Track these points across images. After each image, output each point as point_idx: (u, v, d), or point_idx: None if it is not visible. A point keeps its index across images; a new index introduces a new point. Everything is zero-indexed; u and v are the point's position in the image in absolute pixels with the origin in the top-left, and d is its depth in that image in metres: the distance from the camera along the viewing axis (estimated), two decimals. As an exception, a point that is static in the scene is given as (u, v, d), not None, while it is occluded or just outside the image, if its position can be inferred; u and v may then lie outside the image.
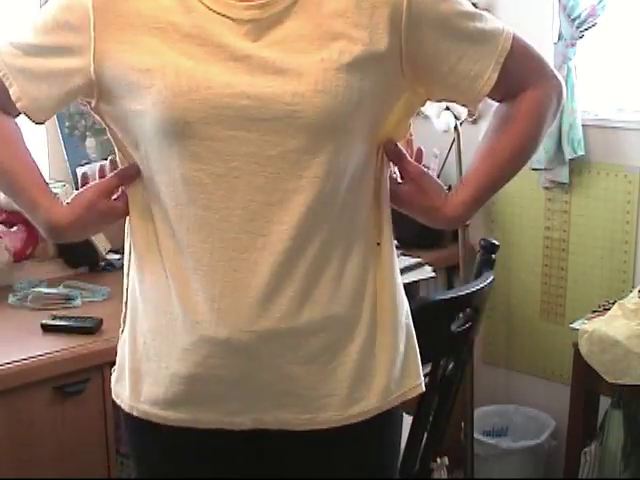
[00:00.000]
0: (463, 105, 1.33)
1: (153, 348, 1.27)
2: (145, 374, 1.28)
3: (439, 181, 1.35)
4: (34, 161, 1.30)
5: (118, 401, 1.34)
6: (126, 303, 1.33)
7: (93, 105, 1.26)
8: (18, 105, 1.25)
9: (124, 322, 1.34)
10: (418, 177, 1.31)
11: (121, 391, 1.33)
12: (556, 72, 1.34)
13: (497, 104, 1.34)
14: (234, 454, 1.32)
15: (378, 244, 1.30)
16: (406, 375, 1.32)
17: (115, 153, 1.31)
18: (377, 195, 1.29)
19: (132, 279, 1.31)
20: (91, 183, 1.31)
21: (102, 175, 1.31)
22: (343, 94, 1.16)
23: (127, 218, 1.30)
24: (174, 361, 1.24)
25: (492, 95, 1.29)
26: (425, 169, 1.33)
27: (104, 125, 1.29)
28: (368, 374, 1.27)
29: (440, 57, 1.23)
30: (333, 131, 1.17)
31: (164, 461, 1.35)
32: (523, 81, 1.29)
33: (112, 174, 1.29)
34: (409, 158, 1.30)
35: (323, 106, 1.15)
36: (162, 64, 1.16)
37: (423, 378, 1.36)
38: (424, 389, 1.36)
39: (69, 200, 1.29)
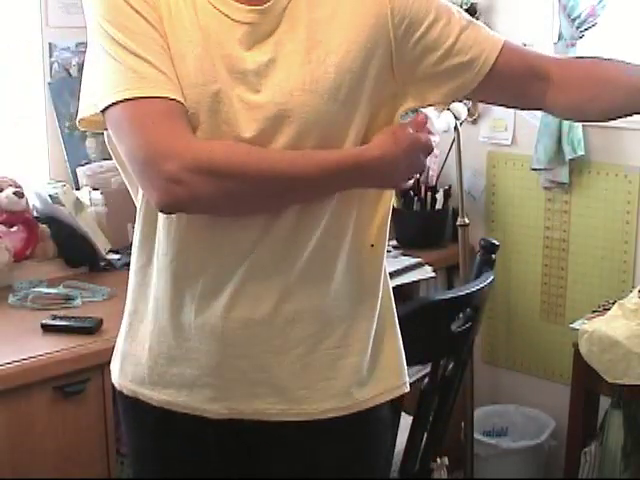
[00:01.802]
0: (463, 90, 1.29)
1: (139, 330, 1.31)
2: (131, 354, 1.33)
3: None
4: None
5: (112, 379, 1.39)
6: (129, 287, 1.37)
7: None
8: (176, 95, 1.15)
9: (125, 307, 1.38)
10: None
11: (114, 370, 1.38)
12: None
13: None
14: (213, 444, 1.33)
15: (372, 246, 1.31)
16: (384, 376, 1.33)
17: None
18: (374, 201, 1.30)
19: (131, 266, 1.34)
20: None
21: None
22: (330, 93, 1.18)
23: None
24: (155, 343, 1.28)
25: (544, 70, 1.28)
26: None
27: None
28: (343, 371, 1.28)
29: (432, 48, 1.25)
30: (320, 129, 1.19)
31: (149, 440, 1.38)
32: (539, 57, 1.30)
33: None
34: None
35: (311, 105, 1.18)
36: (182, 53, 1.17)
37: (408, 379, 1.37)
38: (408, 389, 1.36)
39: None
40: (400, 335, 1.37)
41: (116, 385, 1.38)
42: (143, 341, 1.31)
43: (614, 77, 1.29)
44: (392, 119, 1.29)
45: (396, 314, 1.37)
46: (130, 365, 1.33)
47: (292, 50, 1.19)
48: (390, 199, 1.34)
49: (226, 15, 1.19)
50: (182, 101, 1.14)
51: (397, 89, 1.27)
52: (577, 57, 1.26)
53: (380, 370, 1.33)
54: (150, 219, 1.26)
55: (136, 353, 1.32)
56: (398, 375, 1.35)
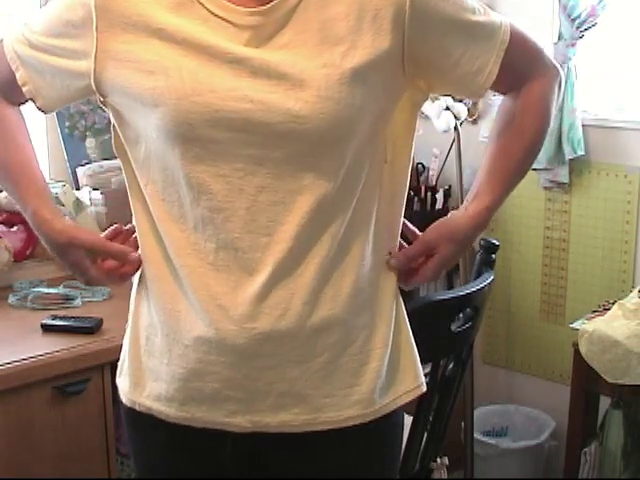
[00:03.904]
0: (466, 97, 1.34)
1: (155, 344, 1.28)
2: (148, 370, 1.29)
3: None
4: (34, 160, 1.32)
5: (121, 394, 1.35)
6: (133, 298, 1.34)
7: (101, 100, 1.26)
8: (24, 90, 1.29)
9: (130, 316, 1.35)
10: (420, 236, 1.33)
11: (123, 385, 1.34)
12: (553, 60, 1.34)
13: (500, 100, 1.35)
14: (230, 458, 1.31)
15: (390, 253, 1.30)
16: (403, 378, 1.32)
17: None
18: (390, 200, 1.29)
19: (138, 275, 1.31)
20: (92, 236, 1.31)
21: (113, 236, 1.32)
22: (346, 99, 1.15)
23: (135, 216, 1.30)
24: (174, 357, 1.25)
25: (496, 88, 1.29)
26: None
27: (112, 119, 1.28)
28: (366, 377, 1.26)
29: (443, 54, 1.23)
30: (336, 136, 1.17)
31: (161, 458, 1.35)
32: (524, 72, 1.29)
33: (113, 248, 1.29)
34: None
35: (326, 112, 1.14)
36: (165, 66, 1.16)
37: (424, 378, 1.36)
38: (424, 389, 1.35)
39: (67, 222, 1.32)
40: (412, 335, 1.36)
41: (127, 402, 1.32)
42: (160, 356, 1.27)
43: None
44: (411, 112, 1.29)
45: (406, 315, 1.36)
46: (147, 380, 1.29)
47: (306, 53, 1.15)
48: (401, 205, 1.32)
49: (229, 22, 1.16)
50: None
51: (406, 84, 1.24)
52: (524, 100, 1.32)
53: (400, 373, 1.31)
54: (157, 229, 1.25)
55: (153, 368, 1.28)
56: (415, 376, 1.34)
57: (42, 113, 1.33)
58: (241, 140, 1.16)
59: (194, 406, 1.26)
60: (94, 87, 1.23)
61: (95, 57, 1.20)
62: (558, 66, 1.34)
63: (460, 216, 1.33)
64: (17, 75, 1.28)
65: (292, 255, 1.18)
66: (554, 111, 1.34)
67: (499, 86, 1.28)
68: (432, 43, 1.21)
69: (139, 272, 1.31)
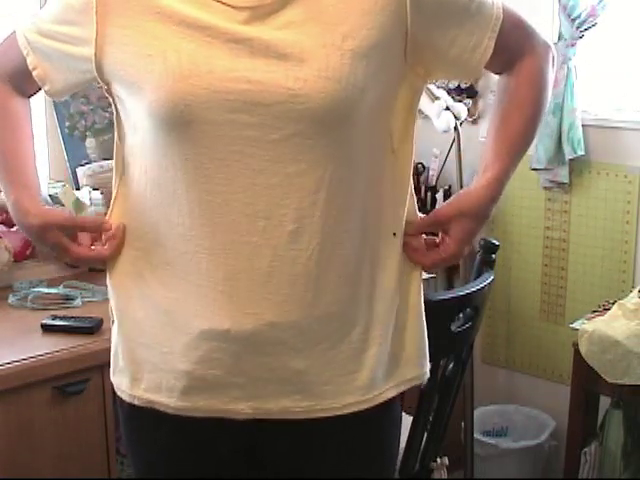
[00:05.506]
0: (465, 78, 1.36)
1: (153, 335, 1.27)
2: (144, 362, 1.28)
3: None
4: (30, 153, 1.36)
5: (118, 392, 1.34)
6: (114, 294, 1.32)
7: (106, 87, 1.27)
8: (34, 74, 1.32)
9: (112, 313, 1.33)
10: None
11: (120, 381, 1.33)
12: (543, 37, 1.35)
13: (497, 81, 1.36)
14: (228, 452, 1.32)
15: (394, 234, 1.29)
16: (405, 367, 1.32)
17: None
18: (395, 185, 1.28)
19: (121, 270, 1.30)
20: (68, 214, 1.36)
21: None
22: (347, 79, 1.15)
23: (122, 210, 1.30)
24: (176, 346, 1.24)
25: (491, 67, 1.30)
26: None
27: (115, 106, 1.28)
28: (366, 363, 1.26)
29: (441, 33, 1.23)
30: (336, 117, 1.16)
31: (158, 455, 1.35)
32: (518, 48, 1.31)
33: (84, 219, 1.35)
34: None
35: (327, 92, 1.14)
36: (163, 48, 1.17)
37: (428, 370, 1.36)
38: (427, 376, 1.35)
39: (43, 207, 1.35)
40: (425, 325, 1.36)
41: (126, 398, 1.32)
42: (159, 346, 1.26)
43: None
44: (411, 100, 1.28)
45: (423, 304, 1.35)
46: (143, 373, 1.28)
47: (305, 33, 1.15)
48: (406, 188, 1.32)
49: (228, 4, 1.16)
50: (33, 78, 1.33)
51: (406, 69, 1.24)
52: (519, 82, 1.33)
53: (403, 360, 1.31)
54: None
55: (150, 360, 1.27)
56: (419, 365, 1.34)
57: (52, 98, 1.38)
58: (239, 122, 1.15)
59: (195, 394, 1.25)
60: (96, 73, 1.24)
61: (96, 42, 1.22)
62: (550, 43, 1.35)
63: (471, 190, 1.33)
64: (28, 60, 1.32)
65: (292, 240, 1.18)
66: (551, 84, 1.35)
67: (493, 65, 1.29)
68: (433, 23, 1.22)
69: (130, 269, 1.29)
